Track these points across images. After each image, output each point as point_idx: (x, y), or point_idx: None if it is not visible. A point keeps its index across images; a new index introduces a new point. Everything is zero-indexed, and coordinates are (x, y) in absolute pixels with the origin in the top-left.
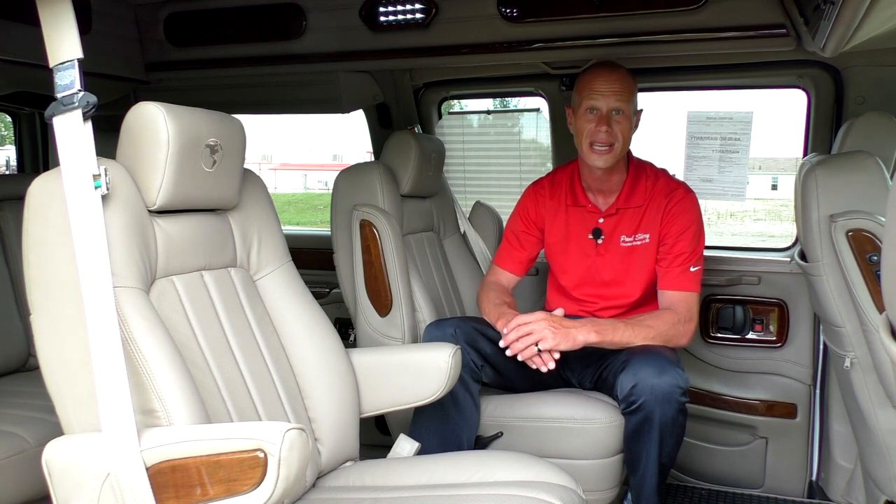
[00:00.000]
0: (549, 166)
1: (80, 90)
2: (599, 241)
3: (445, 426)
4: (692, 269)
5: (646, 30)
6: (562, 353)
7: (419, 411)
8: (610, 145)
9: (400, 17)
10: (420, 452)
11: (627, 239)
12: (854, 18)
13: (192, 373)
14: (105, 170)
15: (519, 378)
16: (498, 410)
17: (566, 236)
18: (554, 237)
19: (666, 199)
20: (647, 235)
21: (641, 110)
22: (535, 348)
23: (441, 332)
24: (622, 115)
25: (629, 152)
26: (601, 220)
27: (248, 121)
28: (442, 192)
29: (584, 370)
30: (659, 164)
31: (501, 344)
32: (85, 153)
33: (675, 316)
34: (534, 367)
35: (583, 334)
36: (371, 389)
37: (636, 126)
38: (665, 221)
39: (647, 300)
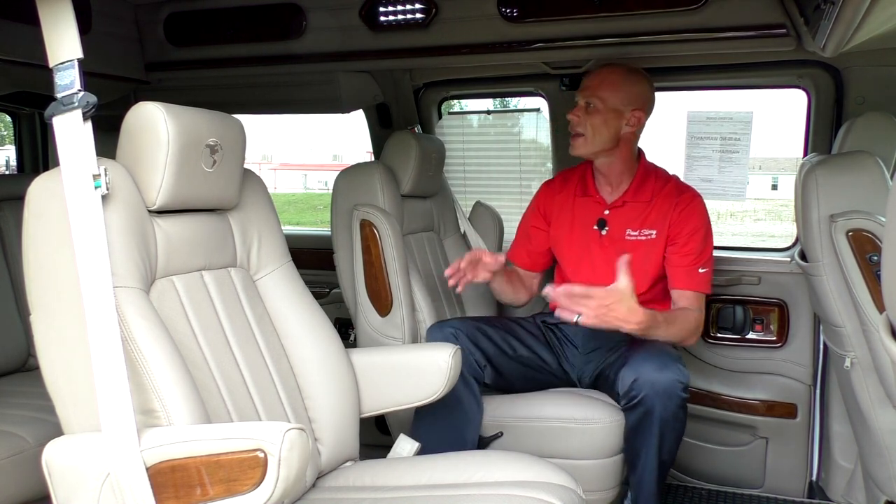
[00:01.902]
0: (549, 166)
1: (80, 90)
2: (604, 233)
3: (448, 426)
4: (700, 271)
5: (646, 30)
6: (564, 348)
7: (420, 411)
8: (580, 134)
9: (400, 17)
10: (421, 452)
11: (633, 233)
12: (854, 18)
13: (192, 373)
14: (105, 170)
15: (519, 378)
16: (498, 410)
17: (571, 227)
18: (559, 229)
19: (676, 198)
20: (654, 232)
21: (636, 110)
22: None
23: (442, 332)
24: (593, 108)
25: (641, 153)
26: (607, 212)
27: (248, 121)
28: (442, 192)
29: (584, 366)
30: (659, 164)
31: (546, 291)
32: (85, 153)
33: (695, 321)
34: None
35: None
36: (371, 389)
37: (629, 125)
38: (675, 221)
39: (651, 297)
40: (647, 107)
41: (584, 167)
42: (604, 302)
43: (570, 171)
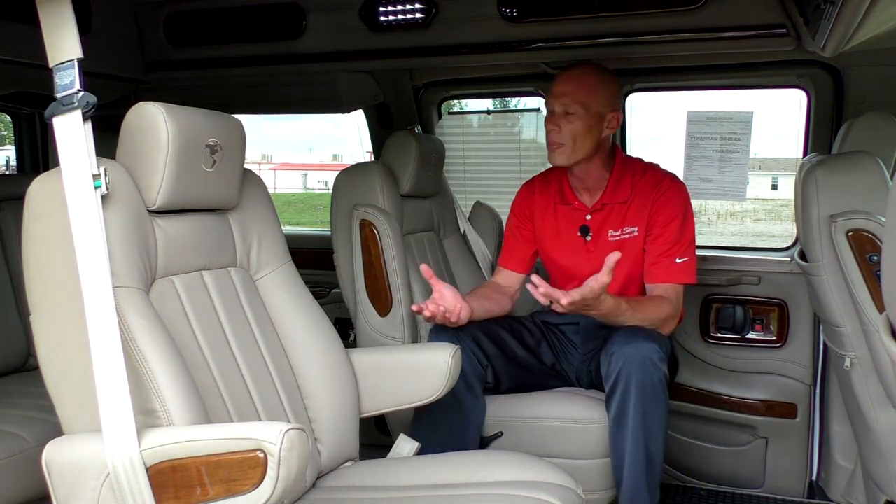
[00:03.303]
0: (549, 166)
1: (79, 90)
2: (588, 238)
3: (447, 427)
4: (678, 261)
5: (646, 30)
6: (563, 348)
7: (420, 412)
8: (560, 144)
9: (400, 17)
10: (422, 453)
11: (615, 233)
12: (854, 18)
13: (192, 373)
14: (105, 170)
15: (515, 383)
16: (498, 410)
17: (557, 234)
18: (545, 236)
19: (653, 191)
20: (636, 228)
21: (614, 111)
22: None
23: (445, 333)
24: (574, 116)
25: (617, 150)
26: (588, 217)
27: (248, 121)
28: (442, 192)
29: (583, 365)
30: (655, 163)
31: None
32: (85, 153)
33: (670, 308)
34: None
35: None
36: (371, 389)
37: (609, 128)
38: (652, 213)
39: (637, 293)
40: (620, 106)
41: (561, 172)
42: (583, 303)
43: (550, 174)
